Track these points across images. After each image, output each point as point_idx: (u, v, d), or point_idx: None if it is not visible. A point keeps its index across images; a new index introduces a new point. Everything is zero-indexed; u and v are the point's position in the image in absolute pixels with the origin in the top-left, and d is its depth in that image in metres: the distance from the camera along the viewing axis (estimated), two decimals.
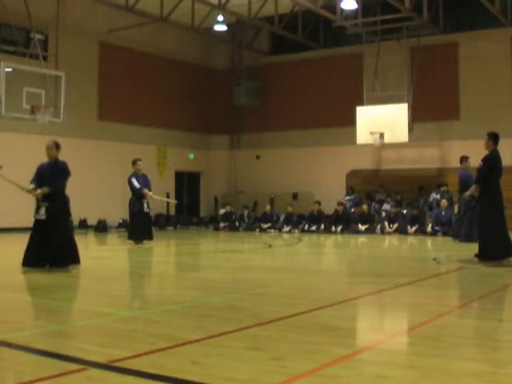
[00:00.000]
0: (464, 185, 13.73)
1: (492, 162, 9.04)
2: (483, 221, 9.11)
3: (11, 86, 15.45)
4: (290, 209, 20.18)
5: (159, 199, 16.09)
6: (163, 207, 22.18)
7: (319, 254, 13.27)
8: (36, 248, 8.12)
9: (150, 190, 13.28)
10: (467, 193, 9.74)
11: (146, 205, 13.17)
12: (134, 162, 13.49)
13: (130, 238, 13.42)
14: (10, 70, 15.87)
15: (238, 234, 19.14)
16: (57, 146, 8.71)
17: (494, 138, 9.15)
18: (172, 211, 23.09)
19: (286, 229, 19.63)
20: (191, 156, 24.64)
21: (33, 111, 16.09)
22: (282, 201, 21.77)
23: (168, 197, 20.56)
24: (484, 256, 8.96)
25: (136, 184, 13.11)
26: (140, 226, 13.16)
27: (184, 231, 21.08)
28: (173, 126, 23.43)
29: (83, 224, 19.73)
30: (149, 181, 13.46)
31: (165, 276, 8.81)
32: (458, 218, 14.62)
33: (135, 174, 13.31)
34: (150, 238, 13.31)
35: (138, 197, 13.14)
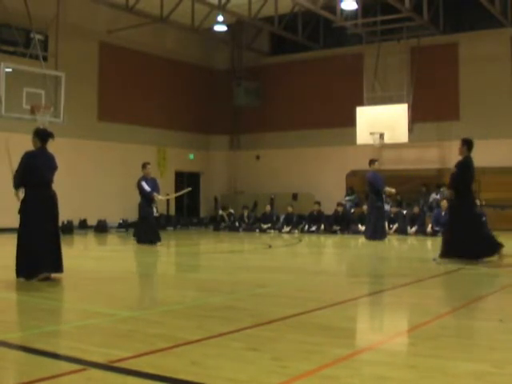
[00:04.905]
0: (372, 186, 15.13)
1: (465, 167, 9.50)
2: (460, 222, 9.45)
3: (11, 86, 15.45)
4: (289, 209, 20.17)
5: (173, 197, 16.02)
6: (163, 208, 22.18)
7: (319, 255, 13.27)
8: None
9: (158, 193, 13.28)
10: (447, 193, 10.13)
11: (155, 209, 13.16)
12: (144, 166, 13.45)
13: (139, 241, 13.33)
14: (9, 70, 15.87)
15: (237, 235, 19.13)
16: (34, 134, 7.42)
17: (468, 144, 9.63)
18: (172, 212, 23.10)
19: (286, 229, 19.62)
20: (191, 156, 24.64)
21: (33, 111, 16.09)
22: (282, 201, 21.77)
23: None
24: (447, 254, 9.43)
25: (147, 188, 13.04)
26: (150, 229, 13.11)
27: (184, 232, 21.08)
28: (173, 126, 23.44)
29: (83, 224, 19.74)
30: (158, 184, 13.45)
31: (165, 276, 8.81)
32: (367, 218, 15.73)
33: (145, 178, 13.25)
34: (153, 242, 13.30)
35: (148, 201, 13.09)
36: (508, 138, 19.68)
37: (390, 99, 20.92)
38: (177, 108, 23.64)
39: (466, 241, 9.25)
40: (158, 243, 13.19)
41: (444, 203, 17.54)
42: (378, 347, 4.03)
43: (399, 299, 6.24)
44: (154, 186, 13.25)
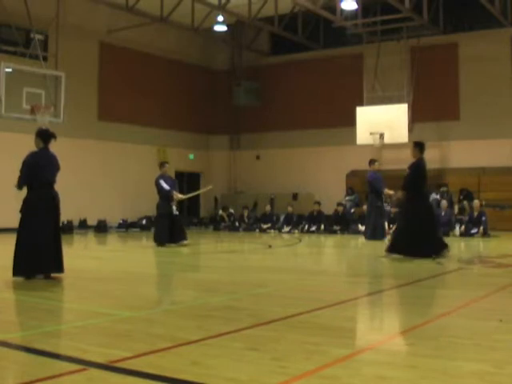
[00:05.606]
0: (372, 186, 15.29)
1: (418, 169, 9.91)
2: (411, 222, 9.76)
3: (11, 86, 15.46)
4: (289, 209, 20.17)
5: (191, 196, 16.00)
6: None
7: (319, 255, 13.27)
8: None
9: (177, 192, 13.29)
10: (399, 194, 10.48)
11: (174, 207, 13.10)
12: (162, 165, 13.45)
13: (155, 240, 13.27)
14: (9, 70, 15.88)
15: (237, 235, 19.13)
16: (37, 135, 7.48)
17: (419, 146, 10.07)
18: None
19: (286, 229, 19.62)
20: (191, 156, 24.64)
21: (33, 111, 16.10)
22: (282, 201, 21.77)
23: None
24: (393, 249, 9.83)
25: (165, 186, 13.00)
26: (166, 228, 13.01)
27: None
28: (173, 126, 23.44)
29: (83, 224, 19.74)
30: (176, 183, 13.46)
31: (165, 276, 8.81)
32: (366, 218, 15.78)
33: (163, 176, 13.21)
34: (185, 238, 13.29)
35: (166, 199, 13.06)
36: (508, 138, 19.67)
37: (389, 99, 20.92)
38: (177, 108, 23.64)
39: (415, 240, 9.58)
40: (185, 242, 13.19)
41: (444, 203, 17.56)
42: (378, 347, 4.03)
43: (399, 299, 6.24)
44: (173, 185, 13.22)
